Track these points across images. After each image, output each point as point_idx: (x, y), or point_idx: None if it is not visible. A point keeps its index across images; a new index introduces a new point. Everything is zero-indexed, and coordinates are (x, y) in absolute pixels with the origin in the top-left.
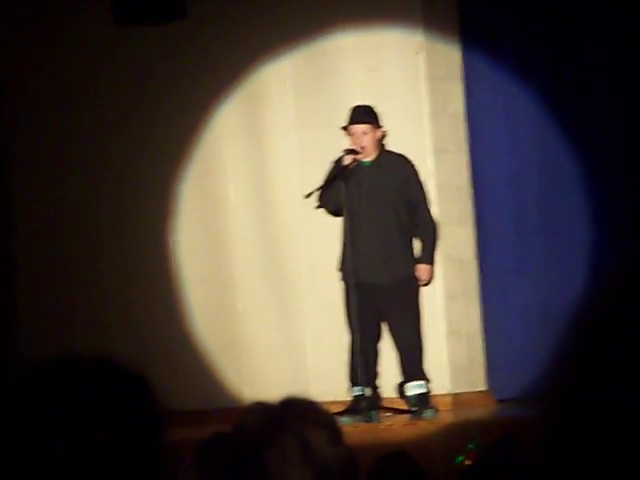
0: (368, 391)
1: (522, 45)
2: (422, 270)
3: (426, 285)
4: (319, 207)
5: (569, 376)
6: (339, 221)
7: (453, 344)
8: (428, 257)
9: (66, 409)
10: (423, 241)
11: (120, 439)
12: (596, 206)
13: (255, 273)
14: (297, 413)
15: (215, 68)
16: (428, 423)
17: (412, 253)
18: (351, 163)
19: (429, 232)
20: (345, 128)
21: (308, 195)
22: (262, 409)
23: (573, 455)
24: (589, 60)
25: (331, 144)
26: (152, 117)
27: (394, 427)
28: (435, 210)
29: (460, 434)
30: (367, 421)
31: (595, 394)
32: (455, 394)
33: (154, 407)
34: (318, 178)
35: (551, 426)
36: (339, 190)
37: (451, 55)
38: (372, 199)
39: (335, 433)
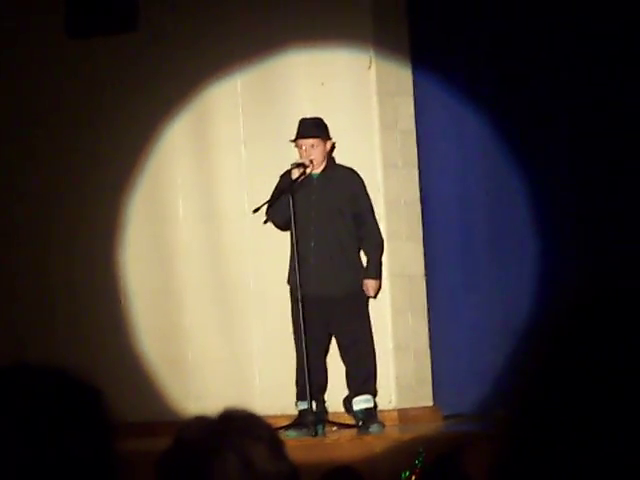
0: (314, 405)
1: (471, 64)
2: (368, 285)
3: (374, 298)
4: (267, 221)
5: (529, 388)
6: (287, 235)
7: (400, 359)
8: (374, 272)
9: (19, 417)
10: (369, 255)
11: (74, 448)
12: (544, 223)
13: (203, 287)
14: (237, 427)
15: (165, 82)
16: (374, 438)
17: (361, 266)
18: (299, 176)
19: (375, 246)
20: (294, 141)
21: (256, 210)
22: (201, 423)
23: (530, 469)
24: (537, 79)
25: (280, 158)
26: (102, 130)
27: (340, 442)
28: (384, 225)
29: (406, 449)
30: (313, 435)
31: (556, 405)
32: (401, 409)
33: (107, 417)
34: (267, 191)
35: (512, 438)
36: (287, 204)
37: (402, 71)
38: (320, 211)
39: (276, 447)
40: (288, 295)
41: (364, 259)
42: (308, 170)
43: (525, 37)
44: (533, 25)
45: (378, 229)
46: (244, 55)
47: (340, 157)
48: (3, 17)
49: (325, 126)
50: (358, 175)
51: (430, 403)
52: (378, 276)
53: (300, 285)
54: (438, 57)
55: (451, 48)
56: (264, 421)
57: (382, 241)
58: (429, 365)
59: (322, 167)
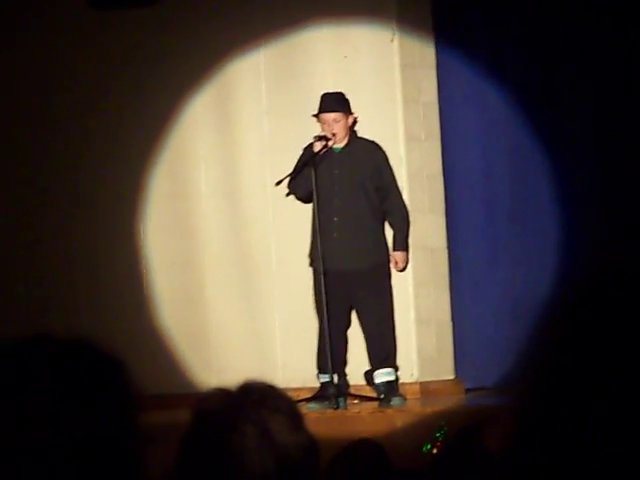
0: (336, 378)
1: (495, 36)
2: (398, 257)
3: (402, 271)
4: (289, 194)
5: (541, 367)
6: (310, 208)
7: (422, 333)
8: (402, 244)
9: (42, 389)
10: (396, 228)
11: (96, 420)
12: (567, 196)
13: (224, 260)
14: (255, 399)
15: (188, 55)
16: (396, 411)
17: (384, 239)
18: (322, 150)
19: (401, 219)
20: (316, 116)
21: (279, 182)
22: (219, 395)
23: (543, 445)
24: (561, 52)
25: (303, 132)
26: (125, 103)
27: (361, 414)
28: (406, 198)
29: (428, 423)
30: (335, 408)
31: (566, 385)
32: (423, 382)
33: (129, 390)
34: (289, 165)
35: (523, 415)
36: (309, 176)
37: (424, 44)
38: (343, 185)
39: (295, 419)
40: (310, 268)
41: (389, 232)
42: (330, 143)
43: (549, 9)
44: None
45: (403, 201)
46: (267, 29)
47: (363, 130)
48: None
49: (347, 101)
50: (381, 148)
51: (452, 376)
52: (406, 248)
53: (322, 258)
54: (461, 29)
55: (474, 20)
56: (283, 393)
57: (407, 213)
58: (451, 338)
59: (345, 141)
